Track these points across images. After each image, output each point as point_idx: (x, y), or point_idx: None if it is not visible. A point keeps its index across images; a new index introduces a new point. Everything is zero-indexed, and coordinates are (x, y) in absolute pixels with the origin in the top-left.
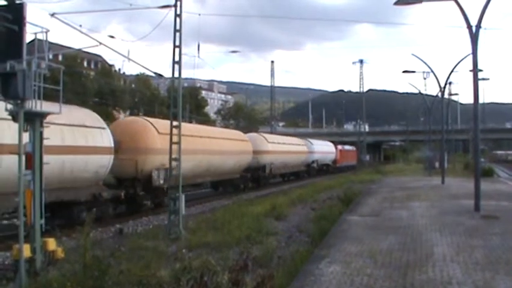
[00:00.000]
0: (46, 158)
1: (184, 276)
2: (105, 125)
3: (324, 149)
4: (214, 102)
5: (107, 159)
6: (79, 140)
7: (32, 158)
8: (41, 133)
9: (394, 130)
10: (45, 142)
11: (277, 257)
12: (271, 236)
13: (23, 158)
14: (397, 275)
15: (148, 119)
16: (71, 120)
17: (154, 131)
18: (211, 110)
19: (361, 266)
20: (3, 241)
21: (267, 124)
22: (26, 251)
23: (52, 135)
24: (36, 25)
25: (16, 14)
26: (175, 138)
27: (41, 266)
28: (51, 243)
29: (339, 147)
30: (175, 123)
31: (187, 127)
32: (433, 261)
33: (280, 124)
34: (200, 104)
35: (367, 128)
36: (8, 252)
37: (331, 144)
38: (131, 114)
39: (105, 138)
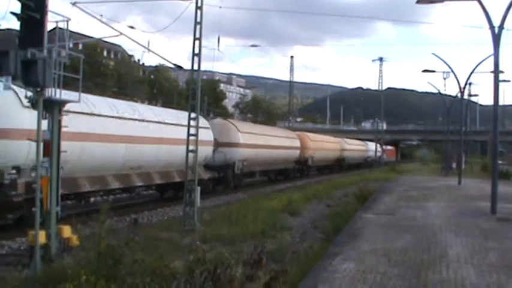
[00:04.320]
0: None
1: (198, 268)
2: (209, 126)
3: (373, 148)
4: (232, 95)
5: (210, 150)
6: (166, 132)
7: (50, 146)
8: (60, 121)
9: (411, 129)
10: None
11: (291, 252)
12: (285, 231)
13: (41, 145)
14: (411, 274)
15: (232, 121)
16: (172, 118)
17: (237, 131)
18: (229, 103)
19: (375, 264)
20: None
21: (285, 119)
22: (42, 237)
23: (172, 132)
24: (58, 14)
25: (38, 2)
26: (253, 137)
27: (55, 253)
28: (67, 231)
29: (384, 147)
30: (193, 115)
31: (259, 127)
32: (447, 262)
33: (298, 119)
34: (218, 96)
35: (384, 126)
36: (24, 238)
37: (373, 144)
38: (149, 104)
39: (209, 135)
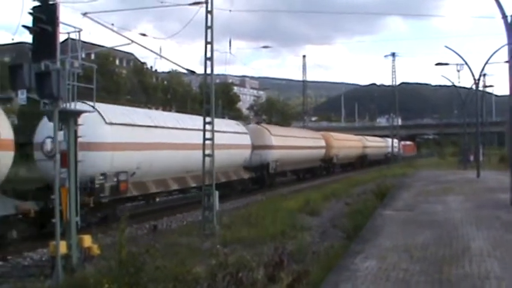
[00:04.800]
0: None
1: (220, 272)
2: (247, 131)
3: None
4: (246, 97)
5: (248, 153)
6: (237, 140)
7: (66, 156)
8: (76, 131)
9: (427, 123)
10: (223, 141)
11: (312, 252)
12: (305, 231)
13: (58, 156)
14: (433, 269)
15: (265, 125)
16: (233, 129)
17: (269, 134)
18: (243, 105)
19: (397, 261)
20: (41, 239)
21: (300, 119)
22: (62, 247)
23: (224, 139)
24: (69, 25)
25: (49, 14)
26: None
27: (77, 263)
28: (87, 240)
29: (402, 142)
30: (208, 119)
31: (288, 130)
32: (470, 256)
33: (313, 119)
34: (232, 99)
35: (400, 122)
36: (46, 249)
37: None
38: (164, 110)
39: (247, 139)
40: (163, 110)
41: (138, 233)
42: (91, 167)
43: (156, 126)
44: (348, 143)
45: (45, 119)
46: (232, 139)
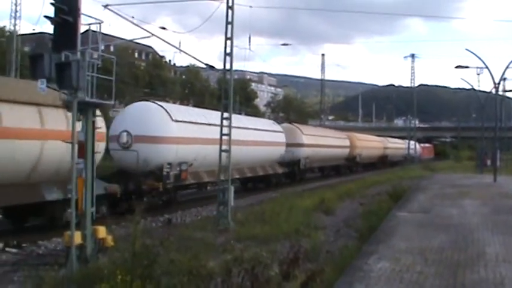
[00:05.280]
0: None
1: (235, 268)
2: (281, 129)
3: (411, 146)
4: (264, 94)
5: (283, 150)
6: (273, 137)
7: (84, 147)
8: (93, 122)
9: (444, 126)
10: (262, 139)
11: (325, 252)
12: (319, 230)
13: (76, 147)
14: (448, 273)
15: (297, 125)
16: (271, 128)
17: (301, 133)
18: (260, 102)
19: (411, 263)
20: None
21: (317, 117)
22: (77, 238)
23: (262, 137)
24: (90, 16)
25: (71, 5)
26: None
27: (91, 253)
28: (102, 231)
29: (421, 145)
30: (226, 114)
31: (317, 129)
32: (485, 261)
33: (330, 118)
34: (250, 96)
35: (417, 124)
36: (60, 238)
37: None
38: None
39: (282, 137)
40: (181, 104)
41: (152, 226)
42: (160, 157)
43: (209, 124)
44: (370, 144)
45: (120, 115)
46: (269, 137)
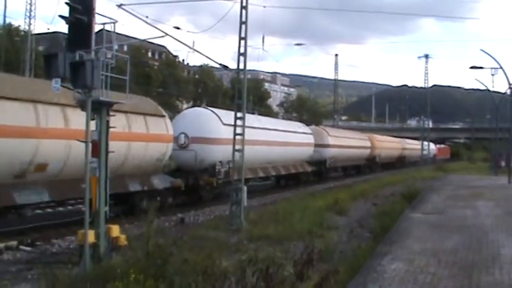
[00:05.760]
0: (291, 149)
1: (250, 268)
2: (310, 131)
3: (429, 147)
4: (277, 94)
5: (312, 150)
6: (303, 139)
7: (98, 146)
8: (108, 122)
9: (458, 127)
10: (294, 140)
11: (339, 252)
12: (332, 230)
13: (90, 145)
14: (462, 275)
15: (324, 127)
16: (301, 130)
17: (327, 135)
18: (273, 102)
19: (425, 265)
20: (68, 226)
21: (330, 118)
22: (91, 236)
23: (294, 138)
24: (105, 16)
25: (85, 5)
26: (338, 140)
27: (104, 252)
28: (115, 230)
29: (437, 146)
30: (239, 114)
31: (341, 131)
32: (500, 263)
33: (343, 118)
34: (263, 96)
35: (430, 124)
36: (74, 237)
37: (432, 143)
38: (194, 104)
39: (311, 138)
40: (194, 103)
41: (165, 225)
42: (213, 156)
43: (252, 127)
44: (389, 145)
45: (178, 117)
46: (301, 138)
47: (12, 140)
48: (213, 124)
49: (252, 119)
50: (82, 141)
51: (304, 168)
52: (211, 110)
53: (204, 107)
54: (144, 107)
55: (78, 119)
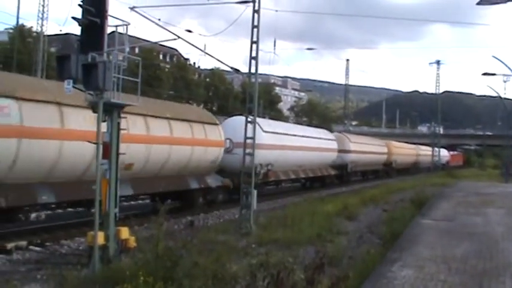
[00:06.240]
0: (318, 154)
1: (260, 273)
2: (334, 137)
3: (441, 154)
4: (287, 98)
5: (335, 155)
6: (328, 144)
7: (108, 148)
8: (119, 124)
9: (469, 134)
10: (319, 145)
11: (348, 257)
12: (341, 235)
13: (101, 147)
14: (473, 283)
15: (345, 134)
16: (326, 137)
17: (348, 141)
18: (284, 106)
19: (435, 272)
20: (78, 227)
21: (340, 122)
22: (100, 238)
23: (320, 144)
24: (118, 18)
25: (98, 7)
26: (358, 146)
27: (113, 254)
28: (124, 232)
29: (451, 152)
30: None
31: (361, 138)
32: (511, 272)
33: (353, 123)
34: (274, 100)
35: (441, 131)
36: (83, 238)
37: (445, 150)
38: (205, 108)
39: (334, 144)
40: (205, 107)
41: (175, 228)
42: (256, 159)
43: (286, 134)
44: (405, 151)
45: (224, 124)
46: (326, 144)
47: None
48: (256, 132)
49: (285, 127)
50: (93, 143)
51: (328, 172)
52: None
53: (246, 116)
54: (203, 117)
55: (157, 127)
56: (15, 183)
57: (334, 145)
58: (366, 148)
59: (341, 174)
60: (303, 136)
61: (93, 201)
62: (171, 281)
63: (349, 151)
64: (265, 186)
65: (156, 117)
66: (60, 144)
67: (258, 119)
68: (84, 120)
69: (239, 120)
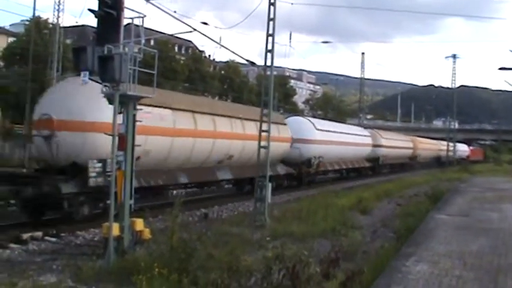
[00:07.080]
0: (355, 148)
1: (275, 265)
2: (368, 134)
3: (461, 148)
4: (302, 91)
5: (370, 149)
6: (364, 140)
7: (124, 140)
8: (134, 116)
9: (485, 128)
10: (356, 140)
11: (362, 252)
12: (356, 229)
13: (116, 139)
14: (488, 279)
15: (378, 130)
16: (361, 133)
17: (380, 137)
18: (299, 99)
19: (450, 267)
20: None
21: (355, 116)
22: (115, 229)
23: (356, 139)
24: (134, 10)
25: None
26: (388, 141)
27: (128, 245)
28: (139, 224)
29: (471, 147)
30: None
31: (391, 134)
32: None
33: (368, 117)
34: (289, 93)
35: (456, 125)
36: (98, 229)
37: (465, 145)
38: (220, 100)
39: (369, 140)
40: (220, 99)
41: (189, 220)
42: (309, 152)
43: (333, 131)
44: (428, 146)
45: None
46: (362, 139)
47: (227, 140)
48: (309, 129)
49: (332, 125)
50: (109, 135)
51: (364, 164)
52: (308, 119)
53: (302, 116)
54: (277, 118)
55: (251, 128)
56: (167, 169)
57: (369, 140)
58: (395, 143)
59: (373, 166)
60: (345, 133)
61: (210, 182)
62: (186, 273)
63: (381, 146)
64: (317, 175)
65: (249, 119)
66: (194, 141)
67: (311, 119)
68: (208, 123)
69: (298, 120)
